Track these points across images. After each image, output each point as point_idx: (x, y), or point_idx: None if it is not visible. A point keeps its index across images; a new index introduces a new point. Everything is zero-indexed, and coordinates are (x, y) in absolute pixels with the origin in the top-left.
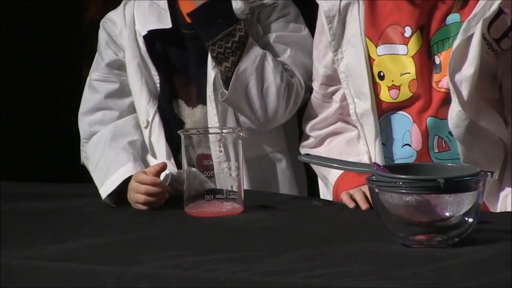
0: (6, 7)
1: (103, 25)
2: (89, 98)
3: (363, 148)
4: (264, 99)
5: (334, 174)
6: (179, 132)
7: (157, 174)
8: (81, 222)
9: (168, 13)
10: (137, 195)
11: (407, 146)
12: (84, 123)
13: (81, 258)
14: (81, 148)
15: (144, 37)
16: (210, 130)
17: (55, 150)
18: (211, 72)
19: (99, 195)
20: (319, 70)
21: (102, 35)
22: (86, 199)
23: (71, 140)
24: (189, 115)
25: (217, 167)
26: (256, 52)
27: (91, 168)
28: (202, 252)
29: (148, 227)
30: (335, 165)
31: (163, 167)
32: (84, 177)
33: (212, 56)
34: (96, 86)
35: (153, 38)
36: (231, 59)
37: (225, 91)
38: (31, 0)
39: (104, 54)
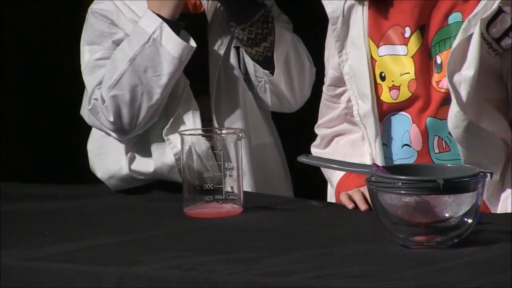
0: (5, 6)
1: (98, 12)
2: (96, 75)
3: (367, 149)
4: (301, 78)
5: (336, 176)
6: (178, 132)
7: None
8: (81, 223)
9: None
10: None
11: (406, 147)
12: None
13: (81, 259)
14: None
15: None
16: (210, 131)
17: (55, 150)
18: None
19: (99, 195)
20: (328, 72)
21: (99, 20)
22: (86, 200)
23: (71, 140)
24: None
25: (216, 168)
26: (287, 33)
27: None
28: (202, 253)
29: (147, 228)
30: (334, 165)
31: None
32: (84, 177)
33: (242, 39)
34: (102, 64)
35: None
36: (269, 39)
37: (266, 71)
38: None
39: (109, 33)
